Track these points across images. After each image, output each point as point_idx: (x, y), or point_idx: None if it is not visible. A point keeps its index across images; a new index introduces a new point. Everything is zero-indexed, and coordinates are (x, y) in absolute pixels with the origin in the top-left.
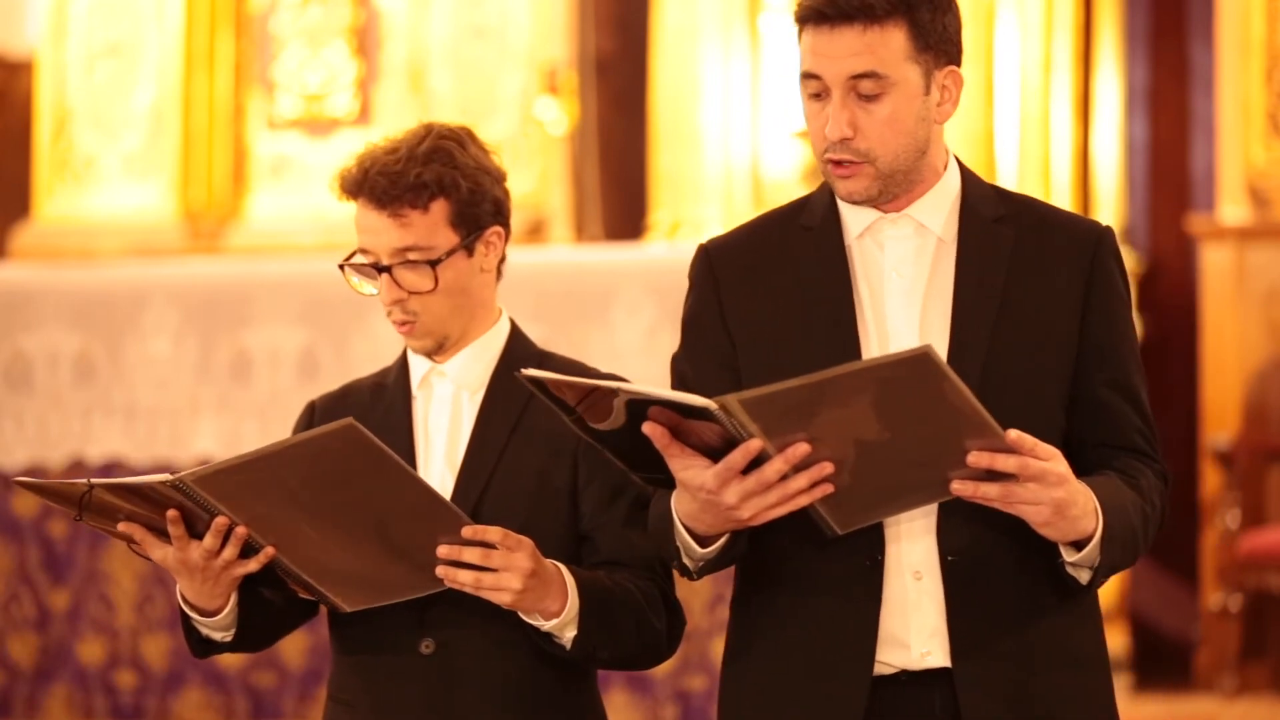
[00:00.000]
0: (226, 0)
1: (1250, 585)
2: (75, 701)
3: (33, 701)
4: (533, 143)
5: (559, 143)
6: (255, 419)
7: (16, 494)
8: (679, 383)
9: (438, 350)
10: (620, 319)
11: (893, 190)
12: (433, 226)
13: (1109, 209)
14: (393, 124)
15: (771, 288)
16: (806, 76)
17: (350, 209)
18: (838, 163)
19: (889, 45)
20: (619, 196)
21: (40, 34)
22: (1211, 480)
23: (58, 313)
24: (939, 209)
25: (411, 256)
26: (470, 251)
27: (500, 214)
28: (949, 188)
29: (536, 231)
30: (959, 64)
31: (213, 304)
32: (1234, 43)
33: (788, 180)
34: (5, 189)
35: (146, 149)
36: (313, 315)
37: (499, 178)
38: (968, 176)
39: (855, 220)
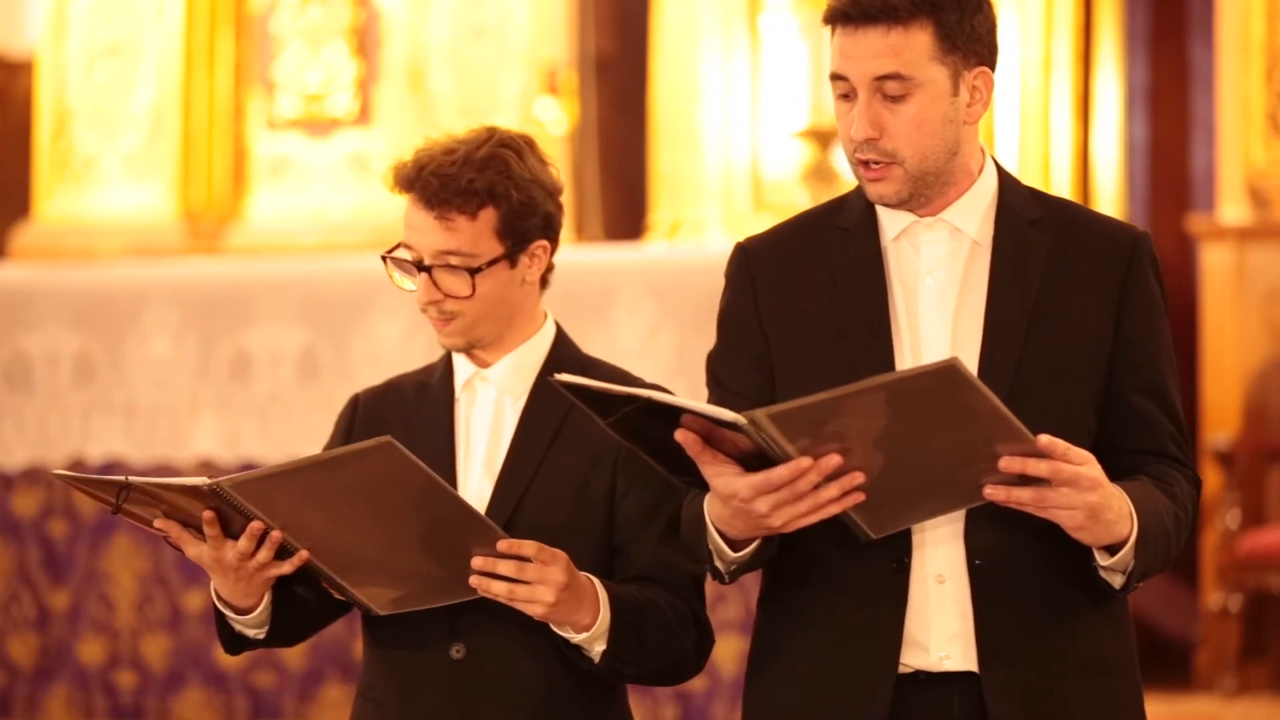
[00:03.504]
0: (226, 0)
1: (1250, 585)
2: (75, 701)
3: (33, 701)
4: None
5: (559, 143)
6: (255, 419)
7: (16, 494)
8: (713, 381)
9: (469, 349)
10: (620, 319)
11: (924, 193)
12: (478, 234)
13: (1109, 209)
14: (393, 124)
15: (806, 287)
16: (834, 77)
17: (348, 210)
18: (866, 164)
19: (913, 46)
20: (619, 196)
21: (40, 34)
22: (1211, 480)
23: (58, 313)
24: (974, 212)
25: (453, 261)
26: (513, 263)
27: (549, 228)
28: (985, 190)
29: None
30: (991, 65)
31: (213, 304)
32: (1234, 43)
33: (788, 180)
34: (5, 189)
35: (146, 149)
36: (313, 315)
37: (553, 191)
38: (1005, 178)
39: (891, 222)
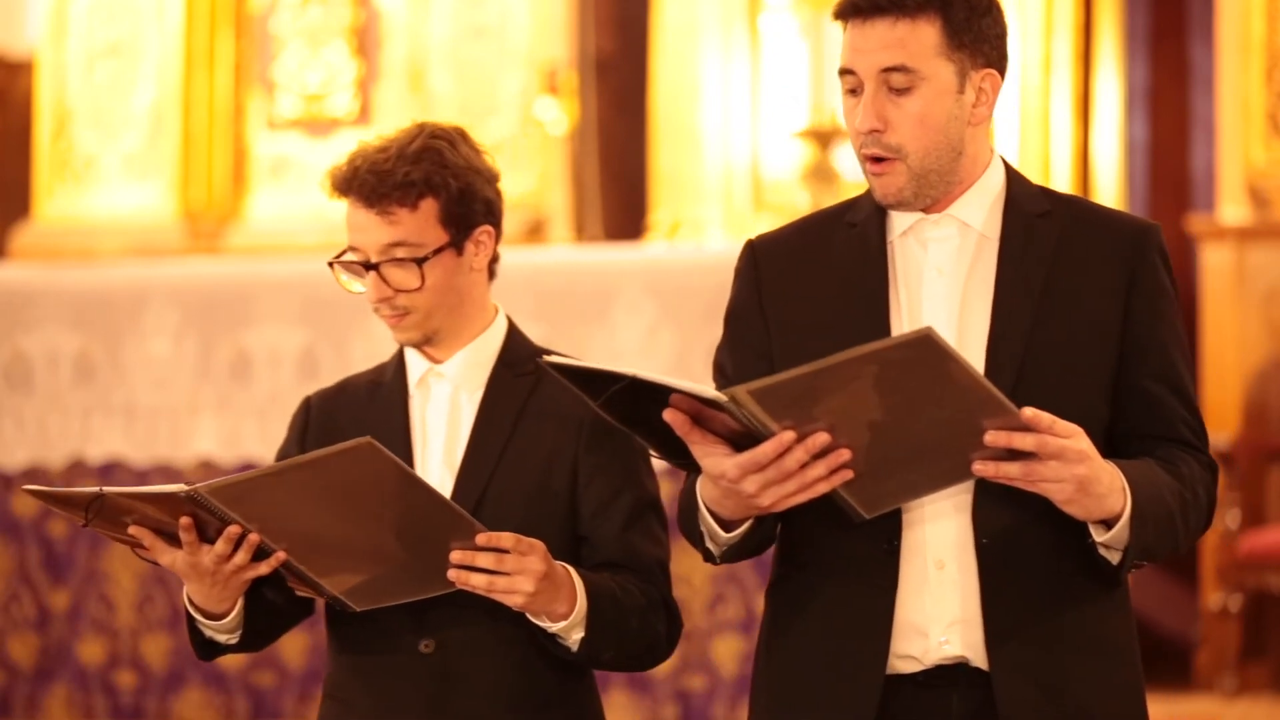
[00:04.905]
0: (226, 0)
1: (1250, 585)
2: (75, 701)
3: (33, 701)
4: (533, 143)
5: (559, 143)
6: (255, 419)
7: (17, 494)
8: (718, 374)
9: (425, 343)
10: (620, 319)
11: (929, 193)
12: (421, 224)
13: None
14: (393, 124)
15: (811, 283)
16: (843, 72)
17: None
18: (873, 161)
19: (920, 39)
20: (619, 196)
21: (40, 34)
22: None
23: (58, 313)
24: (981, 205)
25: (399, 254)
26: (459, 250)
27: (491, 213)
28: (991, 185)
29: (536, 231)
30: (1000, 69)
31: (213, 304)
32: (1234, 43)
33: (788, 180)
34: (5, 189)
35: (146, 149)
36: (313, 315)
37: (491, 178)
38: (1012, 175)
39: (899, 219)
